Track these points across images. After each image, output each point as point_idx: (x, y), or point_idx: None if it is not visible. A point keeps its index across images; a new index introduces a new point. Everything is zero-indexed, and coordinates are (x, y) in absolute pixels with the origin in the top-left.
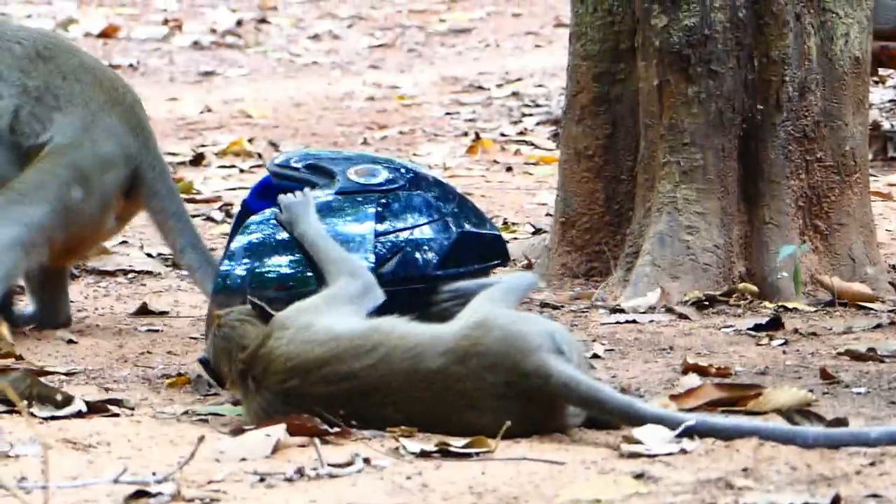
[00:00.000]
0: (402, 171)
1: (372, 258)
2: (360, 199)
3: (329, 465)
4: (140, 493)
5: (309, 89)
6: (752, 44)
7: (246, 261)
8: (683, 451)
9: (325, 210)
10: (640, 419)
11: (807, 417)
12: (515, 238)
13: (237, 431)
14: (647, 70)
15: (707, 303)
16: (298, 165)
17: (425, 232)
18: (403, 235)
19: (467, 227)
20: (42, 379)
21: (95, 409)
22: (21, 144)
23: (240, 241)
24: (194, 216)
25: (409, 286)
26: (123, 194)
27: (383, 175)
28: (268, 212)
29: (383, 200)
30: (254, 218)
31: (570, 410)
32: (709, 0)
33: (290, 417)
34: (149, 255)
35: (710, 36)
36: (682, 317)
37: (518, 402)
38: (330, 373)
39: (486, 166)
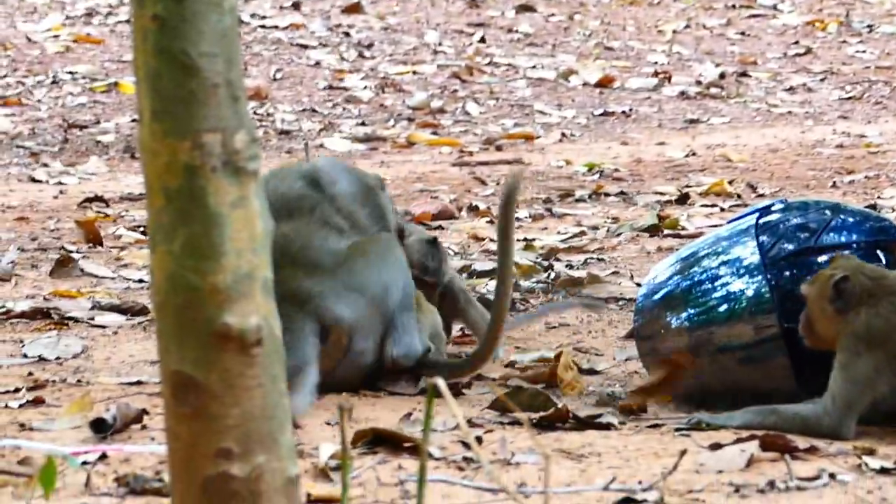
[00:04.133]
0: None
1: None
2: None
3: (797, 478)
4: (627, 501)
5: (784, 137)
6: None
7: None
8: None
9: None
10: None
11: None
12: None
13: (715, 446)
14: None
15: None
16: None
17: None
18: None
19: None
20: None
21: (587, 422)
22: None
23: None
24: (670, 249)
25: None
26: None
27: None
28: None
29: None
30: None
31: None
32: None
33: (765, 434)
34: (637, 285)
35: None
36: None
37: None
38: None
39: None
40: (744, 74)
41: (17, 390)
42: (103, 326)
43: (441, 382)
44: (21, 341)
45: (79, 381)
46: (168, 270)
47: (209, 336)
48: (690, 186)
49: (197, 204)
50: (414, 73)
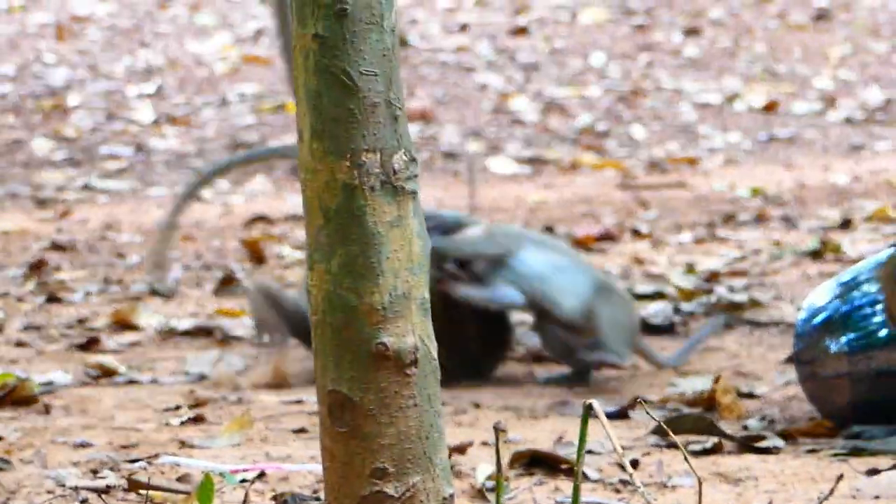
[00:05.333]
0: None
1: None
2: None
3: None
4: None
5: None
6: None
7: None
8: None
9: None
10: None
11: None
12: None
13: (872, 471)
14: None
15: None
16: None
17: None
18: None
19: None
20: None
21: (746, 446)
22: None
23: None
24: (831, 274)
25: None
26: None
27: None
28: None
29: None
30: None
31: None
32: None
33: None
34: (798, 309)
35: None
36: None
37: None
38: None
39: None
40: None
41: (178, 408)
42: (266, 344)
43: (596, 404)
44: (183, 359)
45: (239, 399)
46: (326, 290)
47: (365, 356)
48: (854, 211)
49: (355, 223)
50: (579, 96)
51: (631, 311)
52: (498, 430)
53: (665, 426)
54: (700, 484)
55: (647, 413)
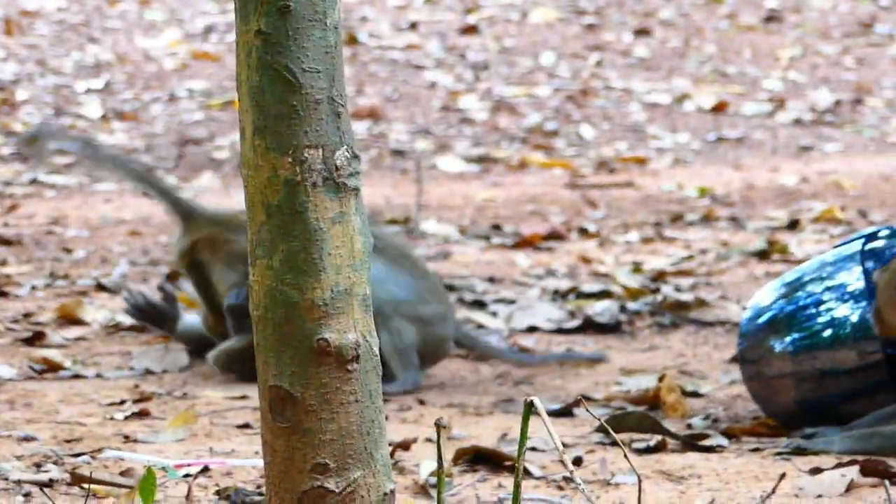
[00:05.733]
0: None
1: None
2: None
3: None
4: None
5: None
6: None
7: None
8: None
9: None
10: None
11: None
12: None
13: (815, 470)
14: None
15: None
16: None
17: None
18: None
19: None
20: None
21: (689, 444)
22: None
23: None
24: (778, 274)
25: None
26: None
27: None
28: None
29: None
30: None
31: None
32: None
33: (865, 459)
34: (744, 309)
35: None
36: None
37: None
38: None
39: None
40: (858, 102)
41: (122, 402)
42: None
43: (538, 402)
44: (129, 353)
45: (184, 394)
46: (268, 285)
47: (307, 351)
48: (801, 212)
49: (297, 219)
50: (529, 95)
51: (426, 325)
52: (440, 426)
53: (608, 425)
54: (640, 481)
55: (588, 411)
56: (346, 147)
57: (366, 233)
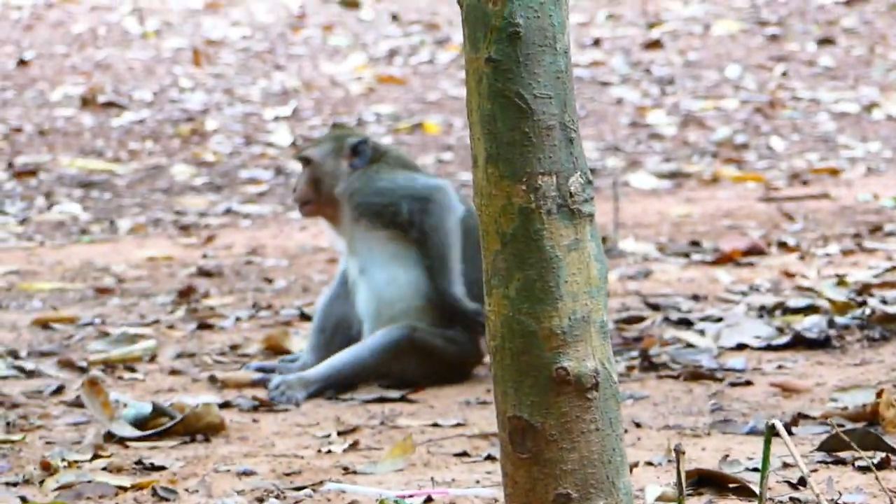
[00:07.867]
0: None
1: None
2: None
3: None
4: None
5: None
6: None
7: None
8: None
9: None
10: None
11: None
12: None
13: None
14: None
15: None
16: None
17: None
18: None
19: None
20: None
21: None
22: None
23: None
24: None
25: None
26: None
27: None
28: None
29: None
30: None
31: None
32: None
33: None
34: None
35: None
36: None
37: None
38: None
39: None
40: None
41: (339, 434)
42: None
43: (779, 425)
44: None
45: (384, 422)
46: (504, 315)
47: (546, 380)
48: None
49: (533, 247)
50: (716, 108)
51: None
52: (678, 452)
53: (829, 444)
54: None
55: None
56: (579, 173)
57: (601, 259)
